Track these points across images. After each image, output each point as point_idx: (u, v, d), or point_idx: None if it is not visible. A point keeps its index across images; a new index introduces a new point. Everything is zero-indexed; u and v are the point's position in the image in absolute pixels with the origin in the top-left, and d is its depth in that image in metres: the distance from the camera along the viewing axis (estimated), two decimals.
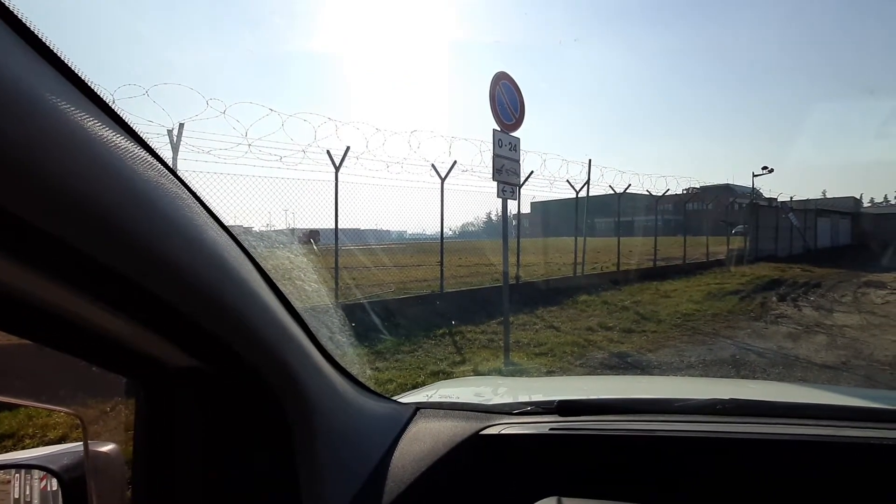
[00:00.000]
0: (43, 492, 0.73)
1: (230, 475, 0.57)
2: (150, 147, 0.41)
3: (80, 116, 0.33)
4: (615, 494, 0.74)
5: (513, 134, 5.13)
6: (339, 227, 7.27)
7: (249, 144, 6.08)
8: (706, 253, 16.24)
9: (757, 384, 2.49)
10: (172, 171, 0.43)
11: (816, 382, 4.34)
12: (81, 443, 0.60)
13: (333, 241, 7.25)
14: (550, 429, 0.88)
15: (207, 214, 0.47)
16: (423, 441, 0.82)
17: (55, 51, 0.32)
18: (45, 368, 0.50)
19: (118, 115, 0.38)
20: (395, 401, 0.92)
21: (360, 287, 8.60)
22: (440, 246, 8.52)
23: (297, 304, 0.65)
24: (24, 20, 0.30)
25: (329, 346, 0.75)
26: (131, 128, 0.39)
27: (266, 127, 6.35)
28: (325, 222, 7.36)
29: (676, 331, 6.62)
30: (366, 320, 6.38)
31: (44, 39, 0.31)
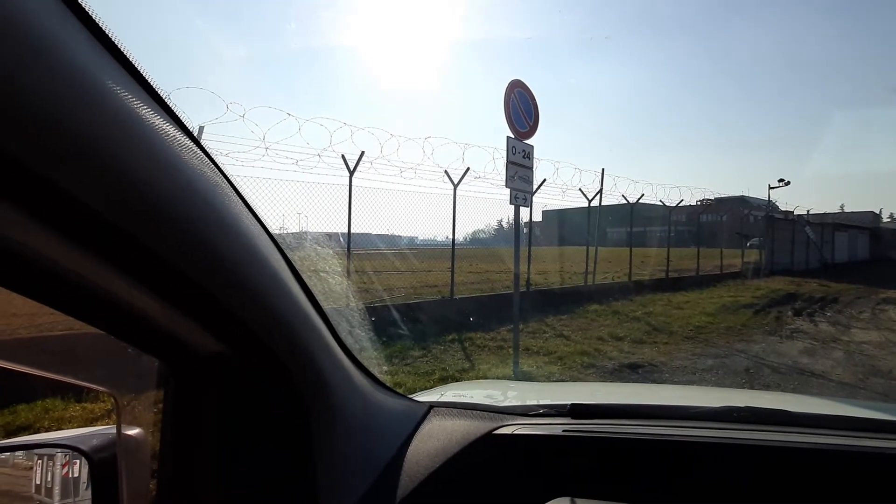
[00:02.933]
0: (64, 478, 0.74)
1: (250, 462, 0.59)
2: (194, 136, 0.43)
3: (137, 105, 0.35)
4: (628, 497, 0.74)
5: (526, 141, 5.15)
6: (352, 231, 7.33)
7: (267, 148, 6.19)
8: (720, 265, 16.02)
9: (772, 395, 2.45)
10: (213, 160, 0.45)
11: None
12: (110, 426, 0.62)
13: (346, 246, 7.32)
14: (563, 430, 0.88)
15: (242, 203, 0.49)
16: (437, 438, 0.83)
17: (118, 44, 0.34)
18: (84, 349, 0.52)
19: (167, 105, 0.40)
20: (409, 398, 0.93)
21: (371, 291, 8.63)
22: (451, 252, 8.54)
23: (319, 297, 0.67)
24: (90, 13, 0.32)
25: (348, 342, 0.77)
26: (179, 117, 0.41)
27: (283, 131, 6.46)
28: (339, 226, 7.43)
29: (689, 343, 6.52)
30: (376, 324, 6.40)
31: (108, 32, 0.34)
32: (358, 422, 0.72)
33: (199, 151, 0.42)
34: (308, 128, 6.59)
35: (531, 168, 5.21)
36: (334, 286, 0.87)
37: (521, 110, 5.06)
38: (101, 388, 0.56)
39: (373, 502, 0.68)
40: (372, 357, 0.85)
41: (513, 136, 4.97)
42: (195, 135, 0.43)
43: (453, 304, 7.98)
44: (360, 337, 0.85)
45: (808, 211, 23.13)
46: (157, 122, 0.37)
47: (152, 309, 0.44)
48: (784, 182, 21.06)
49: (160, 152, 0.37)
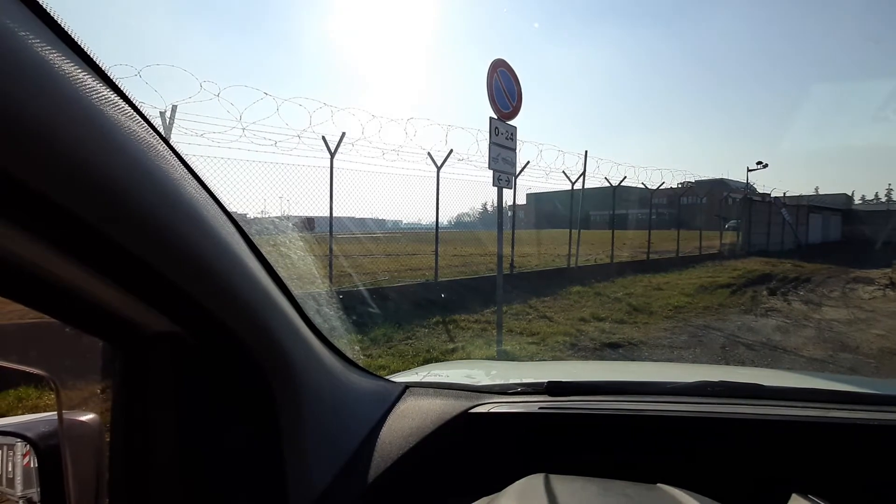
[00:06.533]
0: (26, 468, 0.71)
1: (210, 446, 0.56)
2: (135, 104, 0.39)
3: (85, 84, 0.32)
4: (605, 473, 0.74)
5: (510, 122, 5.09)
6: (335, 215, 7.22)
7: (244, 128, 6.00)
8: (699, 247, 16.34)
9: (746, 370, 2.51)
10: (157, 132, 0.41)
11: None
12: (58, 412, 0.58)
13: (329, 229, 7.22)
14: (540, 408, 0.87)
15: (192, 178, 0.46)
16: (412, 418, 0.82)
17: (81, 43, 0.33)
18: (14, 328, 0.48)
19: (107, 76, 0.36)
20: (384, 378, 0.91)
21: (355, 275, 8.57)
22: (435, 235, 8.50)
23: (281, 273, 0.64)
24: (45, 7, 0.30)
25: (317, 320, 0.74)
26: (127, 95, 0.37)
27: (261, 111, 6.26)
28: (321, 210, 7.31)
29: (668, 322, 6.67)
30: (360, 308, 6.37)
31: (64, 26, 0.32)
32: (327, 403, 0.70)
33: (148, 131, 0.39)
34: (287, 109, 6.41)
35: (514, 149, 5.17)
36: (301, 267, 0.84)
37: (505, 91, 4.99)
38: (36, 371, 0.52)
39: (343, 485, 0.66)
40: (343, 336, 0.82)
41: (495, 117, 4.91)
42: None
43: (437, 287, 7.98)
44: (328, 316, 0.83)
45: (784, 193, 23.67)
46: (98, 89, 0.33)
47: (93, 287, 0.41)
48: (762, 165, 21.47)
49: (107, 131, 0.33)
